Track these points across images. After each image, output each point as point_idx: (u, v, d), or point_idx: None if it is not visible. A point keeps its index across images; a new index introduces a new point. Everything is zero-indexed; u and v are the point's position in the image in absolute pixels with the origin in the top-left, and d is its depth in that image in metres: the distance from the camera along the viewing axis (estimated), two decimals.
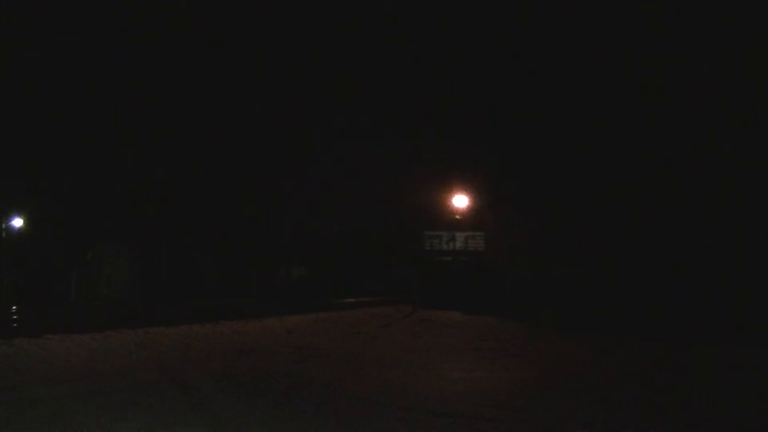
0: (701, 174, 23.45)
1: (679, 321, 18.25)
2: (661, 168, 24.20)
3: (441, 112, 28.92)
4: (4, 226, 31.53)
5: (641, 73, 25.70)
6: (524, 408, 8.35)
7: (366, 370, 11.37)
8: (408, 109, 30.53)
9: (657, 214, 23.45)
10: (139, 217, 32.28)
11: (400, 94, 31.53)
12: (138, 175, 32.13)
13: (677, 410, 8.52)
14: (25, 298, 27.89)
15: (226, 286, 34.11)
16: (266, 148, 34.87)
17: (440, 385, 10.02)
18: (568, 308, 21.52)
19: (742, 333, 16.19)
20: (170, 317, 16.59)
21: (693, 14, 24.19)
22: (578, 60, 26.45)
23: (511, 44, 28.91)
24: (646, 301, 20.98)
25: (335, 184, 34.24)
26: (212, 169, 34.05)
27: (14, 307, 22.53)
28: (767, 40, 22.97)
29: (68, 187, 30.33)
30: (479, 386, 9.87)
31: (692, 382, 10.75)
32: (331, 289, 33.46)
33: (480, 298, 23.13)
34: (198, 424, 7.14)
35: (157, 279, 33.47)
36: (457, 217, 22.48)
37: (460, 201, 22.27)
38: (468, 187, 22.56)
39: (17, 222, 31.51)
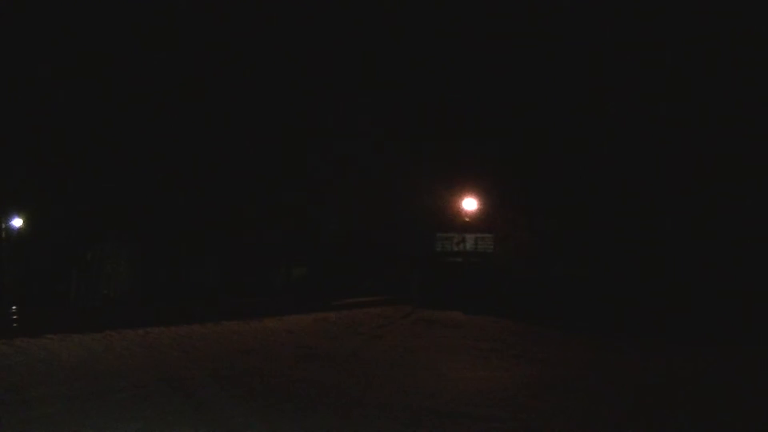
0: (703, 175, 23.52)
1: (679, 321, 18.25)
2: (663, 169, 24.35)
3: (451, 116, 29.12)
4: (4, 226, 31.50)
5: (644, 75, 25.82)
6: (525, 408, 8.35)
7: (366, 370, 11.36)
8: (417, 113, 30.65)
9: (659, 214, 23.57)
10: (139, 217, 32.27)
11: (408, 98, 31.61)
12: (138, 175, 32.14)
13: (678, 410, 8.51)
14: (25, 298, 27.86)
15: (226, 286, 34.10)
16: (266, 148, 34.90)
17: (441, 384, 10.02)
18: (569, 308, 21.60)
19: (743, 333, 16.19)
20: (170, 317, 16.54)
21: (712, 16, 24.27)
22: (584, 63, 26.62)
23: (518, 47, 29.00)
24: (647, 300, 20.98)
25: (339, 185, 34.26)
26: (213, 169, 34.04)
27: (14, 307, 22.51)
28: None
29: (68, 187, 30.31)
30: (480, 386, 9.86)
31: (693, 382, 10.74)
32: (331, 289, 33.44)
33: (481, 298, 23.15)
34: (198, 425, 7.13)
35: (157, 279, 33.44)
36: (467, 219, 23.20)
37: (470, 204, 23.07)
38: (477, 190, 23.32)
39: (17, 222, 31.49)
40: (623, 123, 25.18)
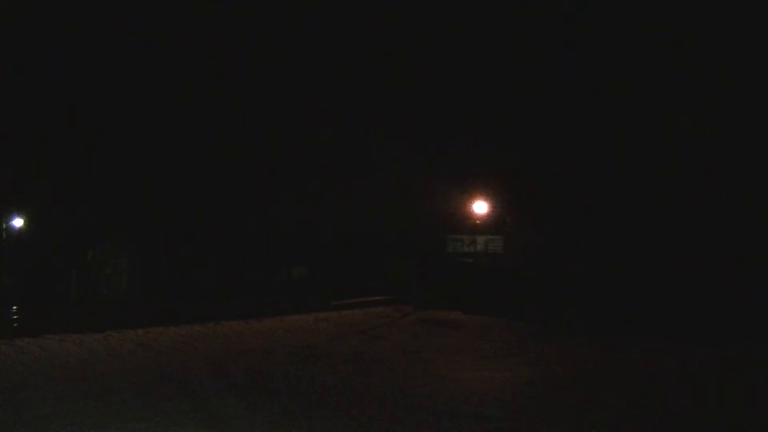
0: (706, 176, 23.61)
1: (680, 321, 18.24)
2: (666, 171, 24.52)
3: (462, 122, 29.51)
4: (4, 226, 31.50)
5: (647, 76, 25.94)
6: (526, 408, 8.34)
7: (366, 370, 11.36)
8: (429, 118, 30.90)
9: (662, 214, 23.72)
10: (139, 217, 32.26)
11: (420, 102, 31.78)
12: (139, 176, 32.12)
13: (678, 410, 8.51)
14: (25, 298, 27.85)
15: (226, 286, 34.08)
16: (267, 148, 34.89)
17: (441, 385, 10.01)
18: (569, 308, 21.68)
19: (744, 332, 16.18)
20: (170, 317, 16.54)
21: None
22: (590, 66, 26.86)
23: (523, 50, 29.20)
24: (648, 300, 20.98)
25: (340, 185, 34.29)
26: (213, 169, 34.03)
27: (14, 308, 22.50)
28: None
29: (69, 188, 30.31)
30: (480, 386, 9.85)
31: (693, 382, 10.74)
32: (331, 289, 33.43)
33: (481, 298, 23.19)
34: (198, 425, 7.13)
35: (157, 279, 33.44)
36: (478, 222, 23.90)
37: (481, 207, 23.84)
38: (488, 194, 24.12)
39: (17, 222, 31.49)
40: (630, 125, 25.48)
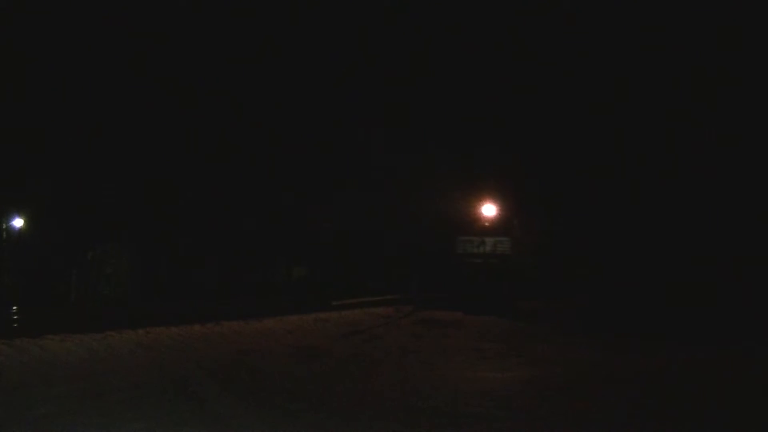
0: (706, 177, 23.72)
1: (680, 321, 18.23)
2: (666, 172, 24.74)
3: (472, 127, 30.10)
4: (4, 226, 31.48)
5: (652, 79, 26.15)
6: (526, 408, 8.33)
7: (367, 370, 11.36)
8: (439, 123, 31.32)
9: (664, 215, 23.91)
10: (140, 217, 32.24)
11: (430, 108, 32.09)
12: (139, 176, 32.10)
13: (678, 411, 8.50)
14: (25, 298, 27.82)
15: (226, 286, 34.06)
16: (268, 149, 34.87)
17: (441, 384, 10.01)
18: (570, 308, 21.79)
19: (744, 332, 16.17)
20: (170, 317, 16.52)
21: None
22: (594, 71, 27.19)
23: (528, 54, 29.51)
24: (649, 300, 21.00)
25: (342, 186, 34.39)
26: (213, 169, 34.01)
27: (14, 307, 22.48)
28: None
29: (69, 188, 30.28)
30: (481, 386, 9.85)
31: (694, 382, 10.73)
32: (331, 289, 33.42)
33: (481, 298, 23.29)
34: (199, 425, 7.13)
35: (158, 279, 33.43)
36: (486, 224, 24.78)
37: (489, 210, 24.81)
38: (496, 197, 25.06)
39: (17, 222, 31.46)
40: (631, 126, 25.85)
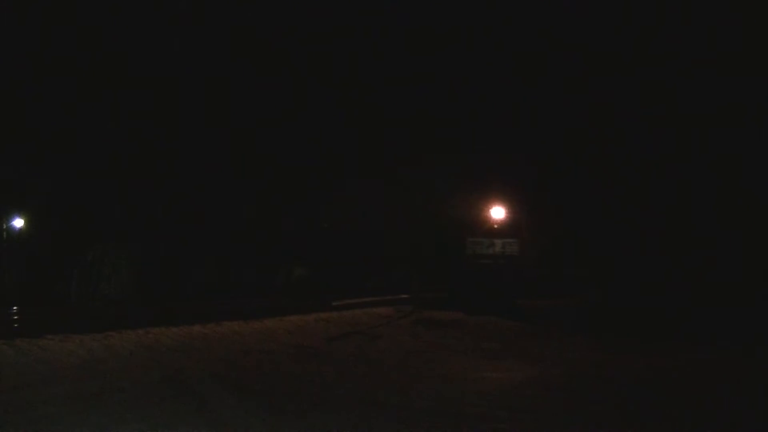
0: (706, 177, 23.87)
1: (680, 321, 18.22)
2: (667, 173, 25.04)
3: (481, 132, 30.65)
4: (5, 226, 31.48)
5: (658, 83, 26.38)
6: (526, 408, 8.33)
7: (367, 370, 11.36)
8: (449, 128, 31.73)
9: (667, 216, 24.20)
10: (140, 217, 32.24)
11: (440, 113, 32.47)
12: (139, 175, 32.09)
13: (680, 411, 8.50)
14: (25, 299, 27.81)
15: (226, 286, 34.06)
16: (269, 149, 34.87)
17: (441, 385, 10.00)
18: (573, 307, 21.93)
19: (745, 333, 16.15)
20: (170, 317, 16.53)
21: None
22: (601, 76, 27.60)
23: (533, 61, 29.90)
24: (650, 301, 21.02)
25: (343, 186, 34.48)
26: (213, 169, 34.00)
27: (14, 308, 22.48)
28: None
29: (69, 188, 30.28)
30: (481, 386, 9.84)
31: (694, 382, 10.72)
32: (331, 289, 33.41)
33: (482, 298, 23.40)
34: (199, 425, 7.12)
35: (158, 279, 33.42)
36: (495, 226, 25.74)
37: (498, 213, 25.78)
38: (505, 200, 26.12)
39: (18, 222, 31.46)
40: (637, 132, 26.34)
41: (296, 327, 17.32)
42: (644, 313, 19.82)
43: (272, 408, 8.05)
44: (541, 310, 22.25)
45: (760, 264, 21.19)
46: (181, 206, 33.25)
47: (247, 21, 33.73)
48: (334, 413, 7.84)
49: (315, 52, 34.10)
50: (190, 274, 34.45)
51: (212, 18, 33.00)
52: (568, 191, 27.69)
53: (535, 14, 30.36)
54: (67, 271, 30.77)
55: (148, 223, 32.65)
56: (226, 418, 7.47)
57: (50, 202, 30.55)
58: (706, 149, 24.58)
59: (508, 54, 31.11)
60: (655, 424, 7.77)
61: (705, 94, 25.23)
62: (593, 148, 27.34)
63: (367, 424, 7.33)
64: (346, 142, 34.19)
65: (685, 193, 24.50)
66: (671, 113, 25.93)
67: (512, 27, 31.07)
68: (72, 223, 30.50)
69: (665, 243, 23.83)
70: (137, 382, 9.59)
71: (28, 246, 31.31)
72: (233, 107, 33.76)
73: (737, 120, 24.52)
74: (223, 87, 33.39)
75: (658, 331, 17.36)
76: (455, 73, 32.57)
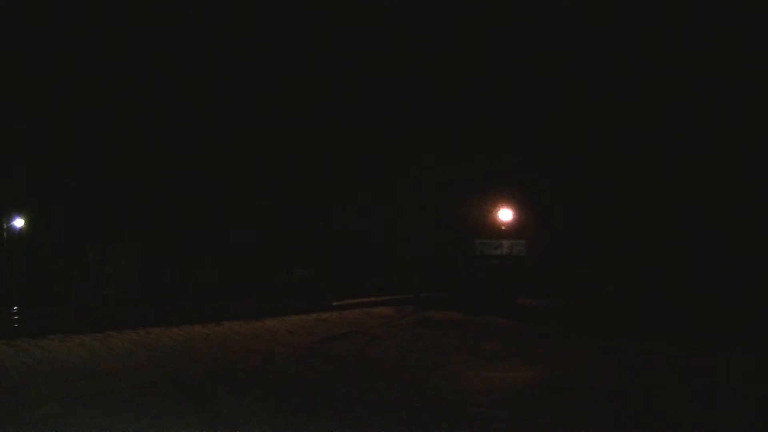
0: (707, 179, 23.97)
1: (681, 322, 18.21)
2: (668, 175, 25.31)
3: (489, 136, 31.18)
4: (5, 226, 31.49)
5: (666, 86, 26.58)
6: (526, 408, 8.32)
7: (368, 370, 11.35)
8: (458, 133, 32.19)
9: (670, 217, 24.40)
10: (140, 217, 32.24)
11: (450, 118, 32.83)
12: (139, 175, 32.10)
13: (680, 411, 8.49)
14: (25, 298, 27.81)
15: (226, 286, 34.05)
16: (271, 149, 34.86)
17: (443, 385, 10.00)
18: (574, 307, 22.00)
19: (747, 334, 16.14)
20: (171, 317, 16.52)
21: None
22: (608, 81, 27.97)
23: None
24: (651, 301, 21.03)
25: (345, 187, 34.60)
26: (214, 169, 33.99)
27: (15, 308, 22.48)
28: None
29: (69, 188, 30.29)
30: (481, 386, 9.83)
31: (694, 382, 10.71)
32: (331, 289, 33.41)
33: (482, 298, 23.49)
34: (199, 425, 7.11)
35: (158, 279, 33.42)
36: (503, 228, 26.53)
37: (506, 215, 26.63)
38: (512, 202, 26.95)
39: (18, 222, 31.47)
40: (642, 136, 26.79)
41: (296, 327, 17.32)
42: (646, 313, 19.82)
43: (272, 408, 8.05)
44: (544, 309, 22.27)
45: (762, 264, 21.20)
46: (182, 206, 33.25)
47: (248, 21, 33.76)
48: (334, 413, 7.84)
49: (320, 51, 34.13)
50: (190, 274, 34.46)
51: (219, 19, 33.03)
52: (574, 193, 28.43)
53: (546, 17, 30.56)
54: (67, 271, 30.78)
55: (149, 223, 32.65)
56: (226, 418, 7.46)
57: (50, 202, 30.56)
58: (710, 150, 24.64)
59: (514, 58, 31.38)
60: (656, 424, 7.76)
61: (705, 95, 25.30)
62: (598, 150, 27.86)
63: (368, 424, 7.32)
64: (348, 143, 34.20)
65: (688, 193, 24.57)
66: (674, 114, 26.04)
67: (518, 30, 31.24)
68: (72, 223, 30.50)
69: (668, 243, 23.93)
70: (137, 382, 9.58)
71: (28, 246, 31.31)
72: (233, 107, 33.76)
73: (743, 119, 24.61)
74: (223, 87, 33.40)
75: (659, 331, 17.35)
76: (462, 76, 32.79)
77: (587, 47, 28.59)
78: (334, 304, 24.37)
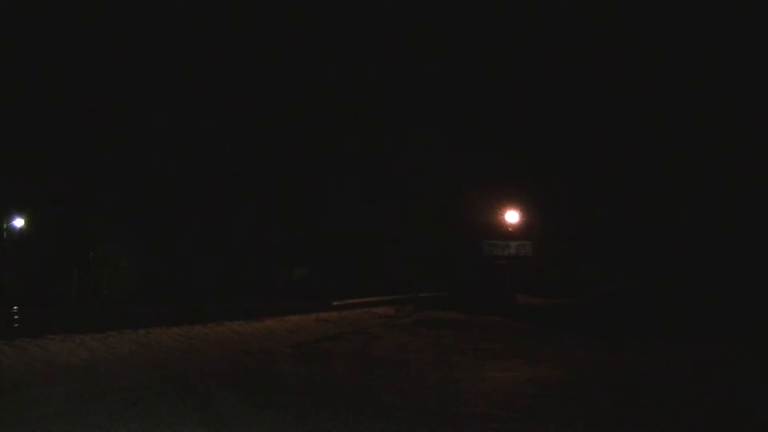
0: (707, 180, 24.10)
1: (684, 321, 18.20)
2: (669, 177, 25.62)
3: (498, 142, 31.71)
4: (5, 226, 31.50)
5: (672, 90, 26.79)
6: (527, 408, 8.31)
7: (368, 370, 11.33)
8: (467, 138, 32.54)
9: (673, 218, 24.66)
10: (140, 217, 32.26)
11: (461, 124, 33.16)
12: (140, 175, 32.11)
13: (681, 412, 8.48)
14: (25, 298, 27.82)
15: (227, 286, 34.06)
16: (270, 150, 34.88)
17: (443, 385, 9.98)
18: (575, 308, 22.08)
19: (748, 334, 16.13)
20: (171, 317, 16.53)
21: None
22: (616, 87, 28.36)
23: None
24: (651, 301, 21.04)
25: (344, 187, 34.67)
26: (214, 169, 34.01)
27: (15, 307, 22.48)
28: None
29: (70, 187, 30.29)
30: (481, 386, 9.82)
31: (694, 383, 10.70)
32: (332, 289, 33.41)
33: (483, 298, 23.57)
34: (199, 425, 7.10)
35: (158, 279, 33.44)
36: (510, 229, 27.28)
37: (512, 217, 27.38)
38: (519, 205, 27.78)
39: (18, 222, 31.47)
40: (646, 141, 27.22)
41: (297, 327, 17.31)
42: (648, 313, 19.82)
43: (272, 408, 8.03)
44: (546, 309, 22.28)
45: (760, 264, 21.20)
46: (182, 207, 33.26)
47: (248, 22, 33.75)
48: (333, 413, 7.82)
49: (331, 49, 34.18)
50: (190, 274, 34.46)
51: (217, 17, 33.01)
52: (580, 195, 29.37)
53: (553, 20, 30.75)
54: (67, 271, 30.78)
55: (149, 223, 32.65)
56: (226, 418, 7.45)
57: (51, 202, 30.55)
58: (715, 151, 24.77)
59: (520, 62, 31.69)
60: (656, 424, 7.75)
61: (708, 96, 25.37)
62: (604, 152, 28.45)
63: (367, 424, 7.31)
64: (351, 144, 34.26)
65: (693, 194, 24.72)
66: (679, 116, 26.17)
67: (525, 32, 31.38)
68: (72, 224, 30.50)
69: (674, 245, 24.13)
70: (137, 382, 9.57)
71: (28, 246, 31.31)
72: (234, 107, 33.75)
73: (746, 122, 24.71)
74: (224, 87, 33.38)
75: (661, 330, 17.33)
76: (469, 80, 33.01)
77: (597, 50, 28.88)
78: (334, 303, 24.39)
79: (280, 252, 38.11)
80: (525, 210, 27.56)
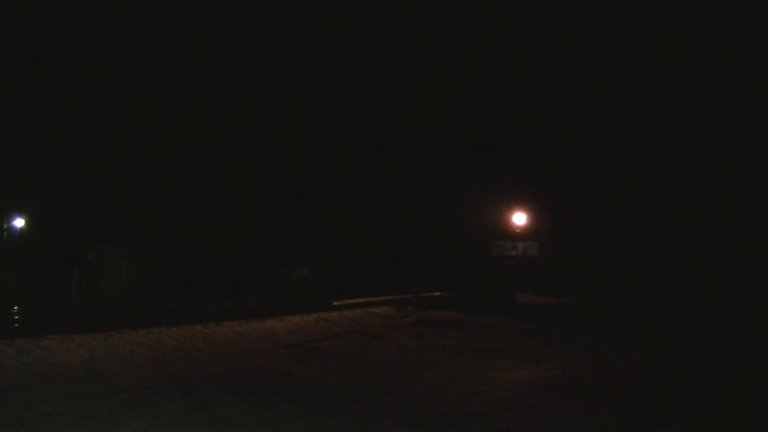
0: (708, 181, 24.20)
1: (684, 321, 18.19)
2: (670, 178, 25.84)
3: (505, 143, 32.12)
4: (5, 226, 31.50)
5: (678, 91, 26.90)
6: (527, 408, 8.30)
7: (368, 370, 11.33)
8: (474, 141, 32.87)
9: (675, 219, 24.87)
10: (141, 217, 32.26)
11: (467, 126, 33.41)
12: (140, 175, 32.11)
13: (682, 412, 8.47)
14: (25, 299, 27.82)
15: (227, 286, 34.07)
16: (269, 150, 34.89)
17: (444, 385, 9.98)
18: (576, 308, 22.09)
19: (749, 334, 16.12)
20: (171, 317, 16.53)
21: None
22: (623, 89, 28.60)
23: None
24: (651, 301, 21.02)
25: (346, 188, 34.76)
26: (214, 170, 34.02)
27: (15, 307, 22.48)
28: None
29: (70, 188, 30.29)
30: (481, 386, 9.81)
31: (694, 383, 10.69)
32: (332, 289, 33.41)
33: (483, 298, 23.60)
34: (199, 425, 7.09)
35: (159, 279, 33.46)
36: (517, 230, 27.64)
37: (519, 218, 27.74)
38: (526, 206, 28.24)
39: (19, 222, 31.47)
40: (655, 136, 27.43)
41: (297, 327, 17.31)
42: (649, 313, 19.81)
43: (272, 408, 8.03)
44: (548, 308, 22.26)
45: (761, 264, 21.18)
46: (183, 207, 33.26)
47: (253, 19, 33.75)
48: (334, 413, 7.82)
49: (331, 50, 34.22)
50: (191, 274, 34.48)
51: (217, 18, 33.03)
52: (585, 196, 29.68)
53: (564, 24, 30.89)
54: (68, 271, 30.79)
55: (150, 223, 32.65)
56: (226, 418, 7.44)
57: (51, 202, 30.56)
58: (720, 151, 24.87)
59: (526, 64, 31.93)
60: (657, 424, 7.74)
61: (708, 96, 25.42)
62: (610, 154, 28.76)
63: (368, 425, 7.30)
64: (351, 144, 34.32)
65: (697, 195, 24.81)
66: (680, 116, 26.30)
67: (532, 35, 31.53)
68: (73, 224, 30.51)
69: (677, 245, 24.20)
70: (138, 382, 9.56)
71: (28, 246, 31.32)
72: (234, 107, 33.75)
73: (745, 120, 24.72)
74: (224, 87, 33.38)
75: (662, 330, 17.32)
76: (472, 81, 33.19)
77: (605, 51, 29.10)
78: (335, 303, 24.41)
79: (281, 252, 38.12)
80: (532, 212, 28.18)
